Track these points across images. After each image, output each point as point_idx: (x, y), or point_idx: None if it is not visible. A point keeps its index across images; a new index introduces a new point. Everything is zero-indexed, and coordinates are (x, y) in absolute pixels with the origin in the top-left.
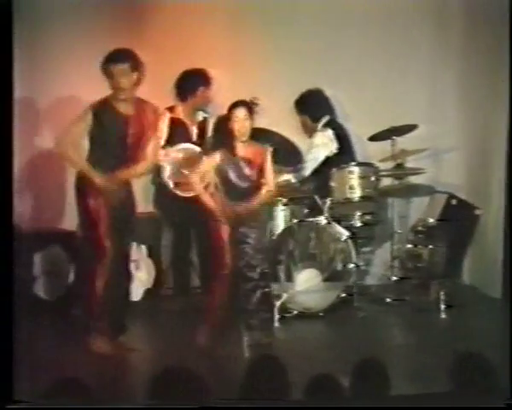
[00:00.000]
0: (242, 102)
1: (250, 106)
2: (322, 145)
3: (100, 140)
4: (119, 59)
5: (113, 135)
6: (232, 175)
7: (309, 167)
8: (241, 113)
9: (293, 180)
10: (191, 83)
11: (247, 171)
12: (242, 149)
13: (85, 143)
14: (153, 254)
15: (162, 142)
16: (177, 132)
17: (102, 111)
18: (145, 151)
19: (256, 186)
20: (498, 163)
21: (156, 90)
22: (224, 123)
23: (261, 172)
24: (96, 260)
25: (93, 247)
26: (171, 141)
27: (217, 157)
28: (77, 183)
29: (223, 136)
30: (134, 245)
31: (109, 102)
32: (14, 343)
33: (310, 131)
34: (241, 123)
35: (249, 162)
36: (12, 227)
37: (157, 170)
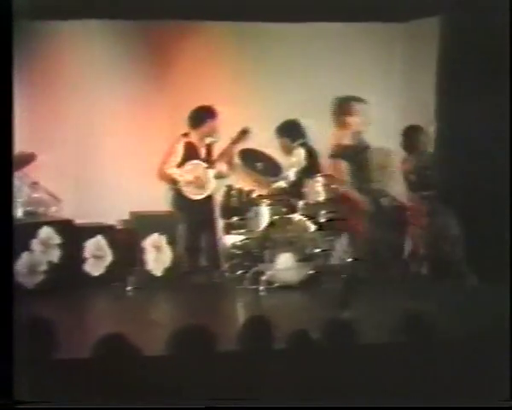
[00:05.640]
0: None
1: None
2: (296, 161)
3: None
4: None
5: None
6: None
7: (288, 177)
8: None
9: (281, 186)
10: (201, 116)
11: None
12: None
13: None
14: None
15: (178, 159)
16: (190, 152)
17: None
18: None
19: None
20: None
21: (176, 119)
22: None
23: None
24: None
25: None
26: (185, 158)
27: None
28: None
29: None
30: (156, 235)
31: None
32: None
33: (287, 151)
34: None
35: None
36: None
37: (174, 180)
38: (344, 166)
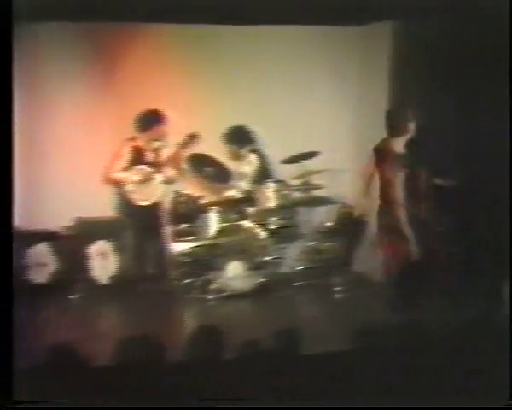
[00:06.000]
0: None
1: None
2: (246, 167)
3: None
4: None
5: None
6: None
7: (239, 183)
8: None
9: (231, 193)
10: (148, 120)
11: None
12: None
13: None
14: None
15: (124, 163)
16: (136, 156)
17: None
18: None
19: None
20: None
21: (123, 123)
22: None
23: None
24: None
25: None
26: (131, 163)
27: None
28: None
29: None
30: (102, 241)
31: None
32: None
33: (237, 157)
34: None
35: None
36: (11, 223)
37: (120, 185)
38: (400, 176)
